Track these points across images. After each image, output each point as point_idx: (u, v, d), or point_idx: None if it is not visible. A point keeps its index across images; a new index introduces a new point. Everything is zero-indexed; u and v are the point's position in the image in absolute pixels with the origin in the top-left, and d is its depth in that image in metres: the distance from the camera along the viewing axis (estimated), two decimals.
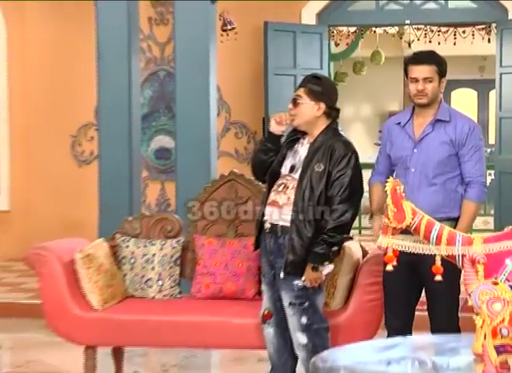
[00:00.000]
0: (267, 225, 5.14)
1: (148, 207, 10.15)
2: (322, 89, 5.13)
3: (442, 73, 5.10)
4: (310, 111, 5.09)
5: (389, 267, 3.48)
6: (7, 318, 8.13)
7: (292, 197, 5.02)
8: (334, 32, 12.11)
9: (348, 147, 5.09)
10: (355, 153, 5.08)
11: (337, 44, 13.11)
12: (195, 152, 7.90)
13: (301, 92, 5.12)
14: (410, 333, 4.99)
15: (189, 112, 7.89)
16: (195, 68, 7.89)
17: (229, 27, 9.64)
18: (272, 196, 5.13)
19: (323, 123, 5.13)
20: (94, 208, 7.96)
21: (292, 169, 5.12)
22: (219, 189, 6.09)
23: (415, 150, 5.10)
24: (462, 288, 5.11)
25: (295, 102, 5.11)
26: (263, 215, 5.17)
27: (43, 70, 10.41)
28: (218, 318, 5.56)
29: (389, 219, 3.42)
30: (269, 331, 5.25)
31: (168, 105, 10.05)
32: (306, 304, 5.06)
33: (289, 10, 10.25)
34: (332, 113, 5.14)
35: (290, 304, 5.07)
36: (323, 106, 5.09)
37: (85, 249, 5.73)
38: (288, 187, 5.09)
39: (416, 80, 5.08)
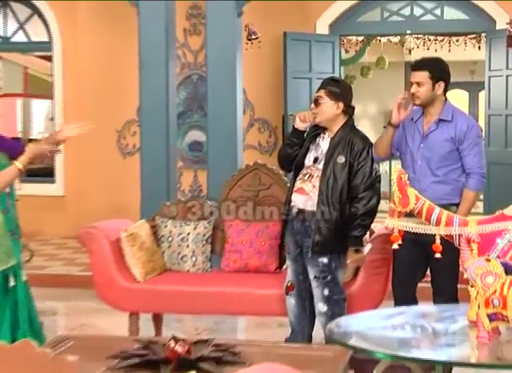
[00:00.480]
0: (294, 210, 5.14)
1: (182, 193, 10.14)
2: (340, 90, 5.14)
3: (435, 78, 5.00)
4: (330, 110, 5.10)
5: (395, 246, 3.48)
6: (62, 288, 8.16)
7: (317, 185, 5.04)
8: (345, 40, 12.08)
9: (366, 140, 5.14)
10: (371, 145, 5.13)
11: (347, 51, 13.09)
12: (224, 145, 7.89)
13: (322, 93, 5.13)
14: (415, 302, 4.95)
15: (218, 110, 7.89)
16: (224, 73, 7.88)
17: (253, 37, 9.60)
18: (298, 184, 5.14)
19: (341, 120, 5.13)
20: (137, 193, 7.96)
21: (316, 160, 5.12)
22: (245, 177, 6.08)
23: (421, 145, 5.05)
24: None
25: (316, 102, 5.12)
26: (290, 202, 5.16)
27: (93, 75, 10.42)
28: (244, 289, 5.56)
29: (395, 204, 3.41)
30: (291, 301, 5.25)
31: (200, 104, 10.03)
32: (329, 278, 5.08)
33: (305, 22, 10.22)
34: (349, 110, 5.16)
35: (315, 277, 5.09)
36: (341, 105, 5.10)
37: (129, 229, 5.73)
38: (312, 176, 5.10)
39: (411, 84, 5.05)
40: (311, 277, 5.12)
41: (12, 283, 4.69)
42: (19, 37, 11.14)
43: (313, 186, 5.06)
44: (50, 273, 8.54)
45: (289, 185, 5.37)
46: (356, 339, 3.25)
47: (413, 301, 4.99)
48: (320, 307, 5.10)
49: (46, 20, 10.79)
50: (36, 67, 13.50)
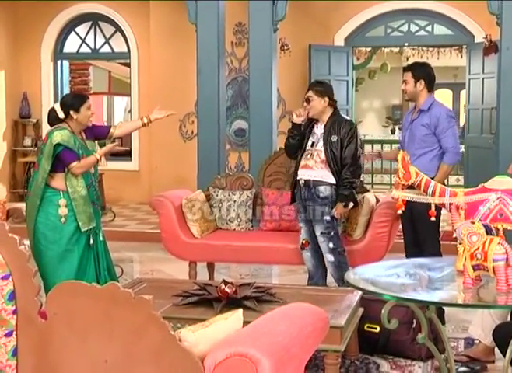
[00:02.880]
0: (302, 182, 5.11)
1: (230, 169, 10.11)
2: (324, 89, 5.16)
3: (416, 77, 5.04)
4: (319, 104, 5.10)
5: (399, 211, 3.42)
6: (137, 242, 8.19)
7: (318, 160, 5.03)
8: (356, 50, 11.96)
9: (351, 123, 5.16)
10: (355, 126, 5.16)
11: (358, 59, 12.97)
12: (262, 132, 7.85)
13: (310, 93, 5.15)
14: (419, 252, 4.90)
15: (258, 104, 7.84)
16: (262, 75, 7.82)
17: (285, 48, 9.54)
18: (303, 162, 5.13)
19: (329, 111, 5.13)
20: (194, 169, 7.94)
21: (313, 144, 5.12)
22: (279, 157, 6.04)
23: (407, 130, 5.08)
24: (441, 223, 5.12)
25: (308, 100, 5.12)
26: (296, 176, 5.15)
27: (161, 77, 10.40)
28: (277, 244, 5.53)
29: (399, 178, 3.36)
30: (307, 254, 5.22)
31: (244, 100, 9.98)
32: (332, 233, 5.03)
33: (326, 36, 10.15)
34: (333, 103, 5.15)
35: (321, 233, 5.05)
36: (327, 99, 5.10)
37: (189, 197, 5.72)
38: (313, 155, 5.09)
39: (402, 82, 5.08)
40: (317, 233, 5.07)
41: (91, 241, 4.73)
42: (105, 49, 11.18)
43: (316, 161, 5.05)
44: (128, 230, 8.57)
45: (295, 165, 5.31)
46: (368, 284, 3.20)
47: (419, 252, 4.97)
48: (329, 258, 5.08)
49: (126, 36, 10.81)
50: (117, 72, 13.50)
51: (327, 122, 5.09)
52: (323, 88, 5.13)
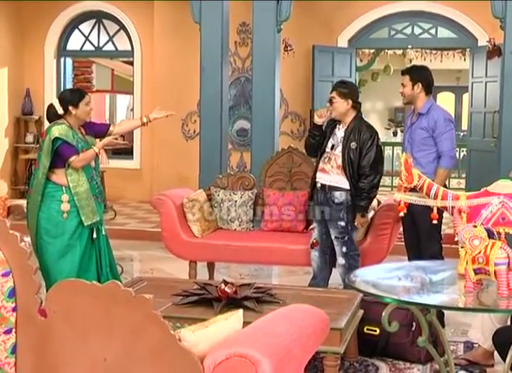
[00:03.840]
0: (318, 185, 5.07)
1: (231, 169, 10.09)
2: (348, 90, 5.05)
3: (414, 80, 5.02)
4: (341, 106, 5.01)
5: (401, 214, 3.41)
6: (137, 240, 8.17)
7: (335, 165, 4.97)
8: (360, 52, 11.93)
9: (372, 129, 5.05)
10: (377, 134, 5.04)
11: (361, 60, 12.94)
12: (264, 132, 7.82)
13: (334, 93, 5.05)
14: (420, 255, 4.90)
15: (260, 104, 7.82)
16: (265, 76, 7.80)
17: (289, 48, 9.52)
18: (321, 165, 5.08)
19: (352, 114, 5.03)
20: (196, 168, 7.92)
21: (333, 147, 5.05)
22: (280, 157, 6.05)
23: (407, 134, 5.09)
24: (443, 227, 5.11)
25: (331, 101, 5.04)
26: (315, 178, 5.11)
27: (164, 76, 10.38)
28: (278, 244, 5.52)
29: (402, 181, 3.35)
30: (315, 254, 5.18)
31: (246, 100, 9.97)
32: (346, 238, 5.01)
33: (329, 37, 10.11)
34: (357, 105, 5.06)
35: (336, 237, 5.02)
36: (350, 101, 5.01)
37: (190, 196, 5.71)
38: (331, 159, 5.03)
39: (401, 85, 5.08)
40: (332, 237, 5.05)
41: (94, 235, 4.72)
42: (109, 47, 11.15)
43: (332, 166, 4.99)
44: (129, 229, 8.56)
45: (315, 165, 5.27)
46: (369, 287, 3.19)
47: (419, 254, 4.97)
48: (340, 260, 5.06)
49: (129, 34, 10.78)
50: (120, 70, 13.49)
51: (348, 125, 5.00)
52: (347, 90, 5.03)
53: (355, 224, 5.01)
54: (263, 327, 2.40)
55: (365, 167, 4.91)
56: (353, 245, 5.05)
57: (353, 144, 4.94)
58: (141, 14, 10.55)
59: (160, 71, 10.43)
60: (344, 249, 5.01)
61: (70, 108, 4.69)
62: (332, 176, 4.99)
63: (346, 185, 4.95)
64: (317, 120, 5.11)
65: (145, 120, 5.06)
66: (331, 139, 5.08)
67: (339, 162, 4.97)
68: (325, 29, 10.06)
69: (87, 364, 2.32)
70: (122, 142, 4.96)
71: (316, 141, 5.14)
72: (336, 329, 3.52)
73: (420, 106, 5.03)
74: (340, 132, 5.05)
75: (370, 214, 5.14)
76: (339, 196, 4.98)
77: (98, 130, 4.95)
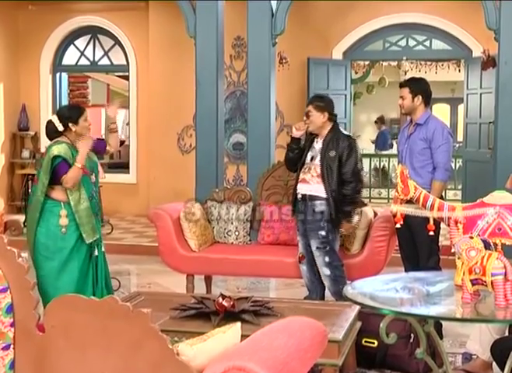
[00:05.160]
0: (299, 196, 5.12)
1: (227, 182, 10.11)
2: (324, 104, 5.13)
3: (414, 92, 5.05)
4: (318, 119, 5.09)
5: (397, 225, 3.42)
6: (134, 255, 8.17)
7: (315, 174, 5.03)
8: (354, 64, 11.97)
9: (350, 138, 5.15)
10: (354, 141, 5.13)
11: (356, 72, 12.98)
12: (260, 145, 7.86)
13: (310, 107, 5.14)
14: (417, 266, 4.91)
15: (256, 118, 7.85)
16: (260, 89, 7.84)
17: (284, 61, 9.55)
18: (301, 176, 5.15)
19: (328, 125, 5.11)
20: (192, 182, 7.94)
21: (312, 158, 5.12)
22: (276, 170, 6.05)
23: (405, 145, 5.08)
24: (440, 238, 5.12)
25: (307, 115, 5.11)
26: (295, 191, 5.16)
27: (160, 90, 10.42)
28: (275, 257, 5.52)
29: (398, 193, 3.36)
30: (304, 268, 5.20)
31: (242, 113, 10.00)
32: (328, 248, 5.02)
33: (324, 50, 10.17)
34: (333, 117, 5.13)
35: (317, 248, 5.04)
36: (326, 114, 5.08)
37: (187, 210, 5.70)
38: (310, 169, 5.09)
39: (400, 97, 5.09)
40: (313, 248, 5.07)
41: (96, 253, 4.72)
42: (104, 61, 11.20)
43: (312, 176, 5.05)
44: (126, 244, 8.55)
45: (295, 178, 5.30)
46: (366, 299, 3.19)
47: (416, 265, 4.98)
48: (325, 271, 5.08)
49: (125, 48, 10.83)
50: (116, 85, 13.54)
51: (326, 137, 5.08)
52: (323, 104, 5.11)
53: (342, 230, 5.05)
54: (261, 340, 2.40)
55: (347, 173, 4.99)
56: (336, 255, 5.08)
57: (332, 153, 5.02)
58: (136, 29, 10.60)
59: (156, 85, 10.47)
60: (327, 259, 5.03)
61: (70, 125, 4.70)
62: (312, 185, 5.06)
63: (325, 194, 5.00)
64: (295, 134, 5.20)
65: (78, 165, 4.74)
66: (310, 152, 5.17)
67: (318, 170, 5.04)
68: (320, 42, 10.11)
69: None
70: (95, 138, 4.91)
71: (294, 154, 5.21)
72: (334, 342, 3.53)
73: (418, 117, 5.05)
74: (318, 144, 5.14)
75: (355, 219, 5.14)
76: (319, 205, 5.02)
77: (97, 147, 4.95)
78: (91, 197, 4.72)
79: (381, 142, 15.54)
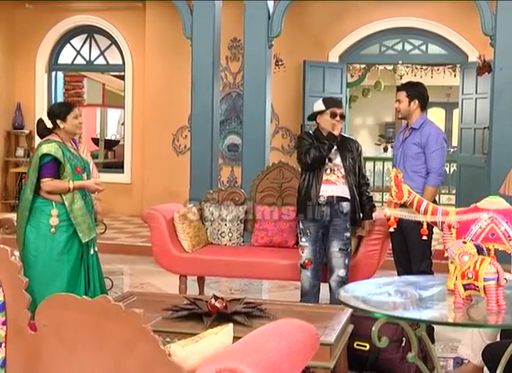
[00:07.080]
0: (322, 198, 4.99)
1: (222, 183, 10.11)
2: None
3: (411, 96, 5.04)
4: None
5: (391, 229, 3.42)
6: (127, 255, 8.17)
7: (340, 175, 5.01)
8: (350, 68, 12.00)
9: (356, 140, 5.26)
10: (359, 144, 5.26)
11: (352, 76, 13.02)
12: (255, 147, 7.87)
13: (340, 110, 5.12)
14: (410, 270, 4.93)
15: (251, 120, 7.86)
16: (256, 91, 7.85)
17: (280, 63, 9.55)
18: (324, 177, 5.03)
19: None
20: (187, 183, 7.94)
21: (330, 159, 5.04)
22: (271, 172, 6.04)
23: (400, 149, 5.09)
24: (433, 242, 5.13)
25: (343, 117, 5.12)
26: (315, 192, 5.00)
27: (155, 90, 10.42)
28: (268, 259, 5.51)
29: (392, 196, 3.36)
30: (307, 274, 5.07)
31: (237, 115, 10.00)
32: (349, 249, 5.06)
33: (320, 52, 10.18)
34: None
35: (340, 250, 5.01)
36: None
37: (181, 211, 5.70)
38: (333, 170, 5.04)
39: (396, 101, 5.10)
40: (335, 249, 5.01)
41: (91, 252, 4.70)
42: (100, 61, 11.20)
43: (338, 177, 5.02)
44: (119, 243, 8.54)
45: (304, 182, 5.07)
46: (359, 302, 3.19)
47: (409, 269, 5.01)
48: (340, 273, 5.02)
49: (121, 48, 10.84)
50: (112, 84, 13.52)
51: (341, 138, 5.08)
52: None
53: (364, 232, 5.14)
54: (253, 342, 2.40)
55: (364, 174, 5.14)
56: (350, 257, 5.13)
57: (350, 154, 5.06)
58: (132, 29, 10.61)
59: (151, 85, 10.47)
60: (346, 261, 5.02)
61: (58, 122, 4.67)
62: (339, 186, 5.01)
63: (349, 195, 5.02)
64: (336, 132, 5.06)
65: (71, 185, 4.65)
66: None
67: (343, 171, 5.02)
68: (316, 45, 10.12)
69: None
70: (99, 189, 4.80)
71: (327, 152, 5.01)
72: (326, 345, 3.53)
73: (413, 122, 5.06)
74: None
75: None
76: (346, 207, 5.01)
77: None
78: (85, 196, 4.71)
79: None
